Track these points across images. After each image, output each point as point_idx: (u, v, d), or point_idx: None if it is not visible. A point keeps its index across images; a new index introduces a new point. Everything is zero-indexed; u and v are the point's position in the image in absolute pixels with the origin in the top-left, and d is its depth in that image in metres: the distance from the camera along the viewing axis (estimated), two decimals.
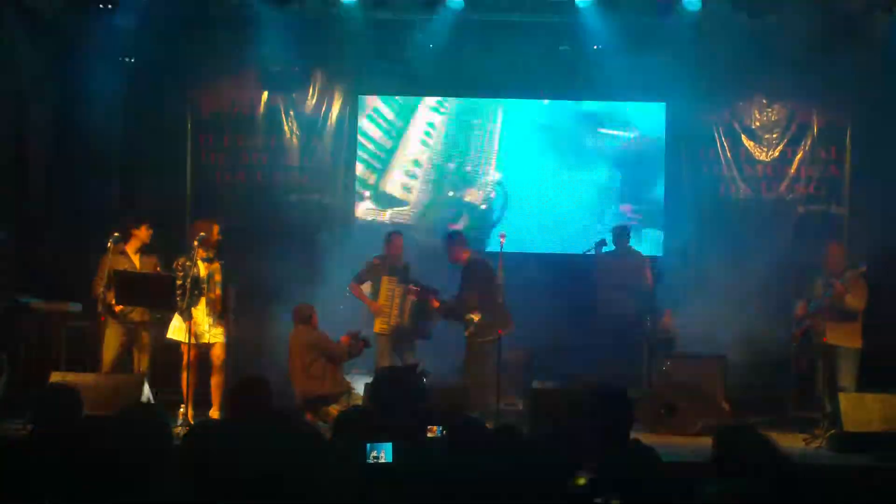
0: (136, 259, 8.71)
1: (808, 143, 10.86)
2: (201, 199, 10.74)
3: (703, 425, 8.58)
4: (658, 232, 11.00)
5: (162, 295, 8.34)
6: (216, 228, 8.65)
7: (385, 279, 9.30)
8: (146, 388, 8.10)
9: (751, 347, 9.27)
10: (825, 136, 10.81)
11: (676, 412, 8.82)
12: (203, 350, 8.54)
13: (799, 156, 10.88)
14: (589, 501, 3.92)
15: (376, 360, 9.16)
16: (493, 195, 11.20)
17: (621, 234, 10.21)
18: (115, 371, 8.53)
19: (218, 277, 8.53)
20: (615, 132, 11.13)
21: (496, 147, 11.19)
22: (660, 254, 10.73)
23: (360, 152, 11.15)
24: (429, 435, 6.47)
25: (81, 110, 10.10)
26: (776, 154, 10.90)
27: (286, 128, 11.03)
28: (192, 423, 7.87)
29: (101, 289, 8.39)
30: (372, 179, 11.23)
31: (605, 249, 10.16)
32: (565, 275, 10.35)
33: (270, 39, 10.18)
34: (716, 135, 10.94)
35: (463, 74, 10.78)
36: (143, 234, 8.74)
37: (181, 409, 8.21)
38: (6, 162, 10.01)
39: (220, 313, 8.55)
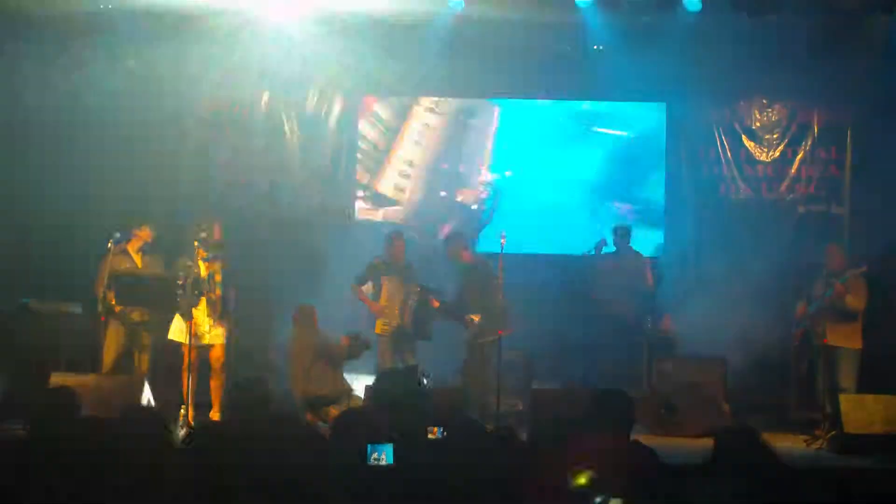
0: (137, 259, 8.71)
1: (809, 143, 10.86)
2: (201, 200, 10.73)
3: (703, 427, 8.56)
4: (657, 231, 10.99)
5: (162, 296, 8.34)
6: (217, 228, 8.65)
7: (386, 280, 9.29)
8: (147, 390, 8.10)
9: (751, 348, 9.27)
10: (825, 137, 10.81)
11: (677, 413, 8.82)
12: (204, 351, 8.54)
13: (799, 156, 10.87)
14: (589, 501, 3.92)
15: (378, 361, 9.15)
16: (484, 195, 11.22)
17: (622, 234, 10.20)
18: (115, 372, 8.53)
19: (219, 277, 8.53)
20: (612, 131, 11.14)
21: (490, 147, 11.21)
22: (659, 254, 10.72)
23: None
24: (429, 436, 6.46)
25: (82, 109, 10.10)
26: (776, 154, 10.90)
27: (286, 128, 11.04)
28: (193, 424, 7.87)
29: (102, 289, 8.39)
30: (366, 179, 11.26)
31: (605, 250, 10.16)
32: (566, 276, 10.34)
33: (272, 40, 10.18)
34: (716, 135, 10.94)
35: (464, 75, 10.78)
36: (145, 233, 8.75)
37: (182, 411, 8.20)
38: (5, 162, 10.01)
39: (221, 314, 8.54)
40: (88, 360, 8.78)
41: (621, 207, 11.08)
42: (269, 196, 10.91)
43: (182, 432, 7.62)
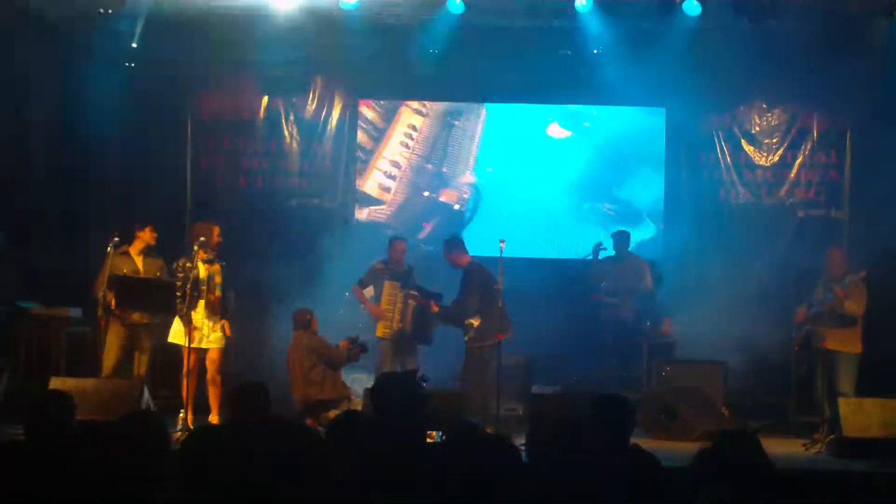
0: (139, 261, 8.69)
1: (808, 147, 10.86)
2: (201, 203, 10.74)
3: (703, 431, 8.55)
4: (650, 232, 10.99)
5: (162, 299, 8.34)
6: (216, 230, 8.64)
7: (387, 284, 9.29)
8: (146, 393, 8.08)
9: (751, 352, 9.27)
10: (825, 141, 10.81)
11: (677, 417, 8.80)
12: (203, 354, 8.53)
13: (799, 160, 10.87)
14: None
15: (378, 364, 9.14)
16: (466, 195, 11.25)
17: (621, 238, 10.20)
18: (115, 375, 8.51)
19: (218, 279, 8.52)
20: (601, 129, 11.17)
21: (475, 149, 11.25)
22: (656, 257, 10.71)
23: None
24: (428, 440, 6.46)
25: (82, 114, 10.11)
26: (776, 159, 10.90)
27: (286, 132, 11.05)
28: (192, 427, 7.86)
29: (102, 292, 8.38)
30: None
31: (603, 254, 10.16)
32: (565, 279, 10.34)
33: (271, 44, 10.19)
34: (716, 139, 10.95)
35: (463, 79, 10.80)
36: (146, 235, 8.73)
37: (181, 414, 8.19)
38: (7, 165, 10.01)
39: (220, 316, 8.53)
40: (88, 364, 8.79)
41: (610, 208, 11.09)
42: (269, 200, 10.92)
43: (181, 436, 7.61)
